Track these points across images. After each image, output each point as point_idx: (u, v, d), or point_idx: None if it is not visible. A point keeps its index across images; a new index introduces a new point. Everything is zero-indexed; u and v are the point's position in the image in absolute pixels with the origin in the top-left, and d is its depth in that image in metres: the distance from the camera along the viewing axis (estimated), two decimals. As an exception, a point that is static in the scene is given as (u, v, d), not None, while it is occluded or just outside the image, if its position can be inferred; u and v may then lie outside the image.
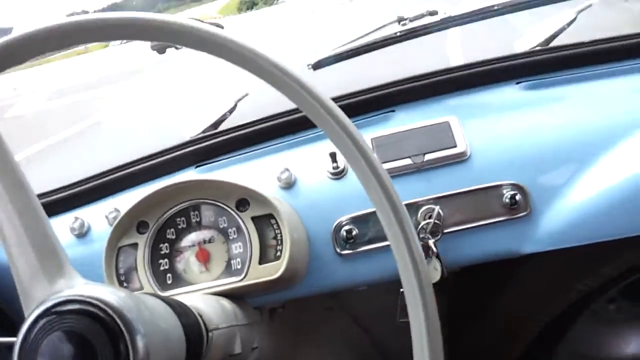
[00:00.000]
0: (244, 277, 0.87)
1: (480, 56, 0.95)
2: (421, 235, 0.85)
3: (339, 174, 0.90)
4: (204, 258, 0.89)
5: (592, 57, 0.95)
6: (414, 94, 0.98)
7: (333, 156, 0.90)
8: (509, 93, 0.95)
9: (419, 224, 0.85)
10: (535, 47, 1.02)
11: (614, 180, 0.80)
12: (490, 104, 0.95)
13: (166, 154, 1.03)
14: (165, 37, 0.41)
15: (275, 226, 0.87)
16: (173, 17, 0.43)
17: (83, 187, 1.04)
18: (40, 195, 1.04)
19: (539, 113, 0.90)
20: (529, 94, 0.94)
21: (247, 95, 1.14)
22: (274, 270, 0.86)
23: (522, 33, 1.03)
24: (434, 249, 0.83)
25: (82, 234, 0.98)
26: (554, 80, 0.94)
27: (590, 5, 1.02)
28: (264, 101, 1.17)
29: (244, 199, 0.89)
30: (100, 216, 0.97)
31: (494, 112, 0.93)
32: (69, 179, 1.05)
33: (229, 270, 0.89)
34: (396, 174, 0.87)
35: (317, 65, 1.09)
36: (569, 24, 1.02)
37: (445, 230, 0.84)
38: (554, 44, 1.02)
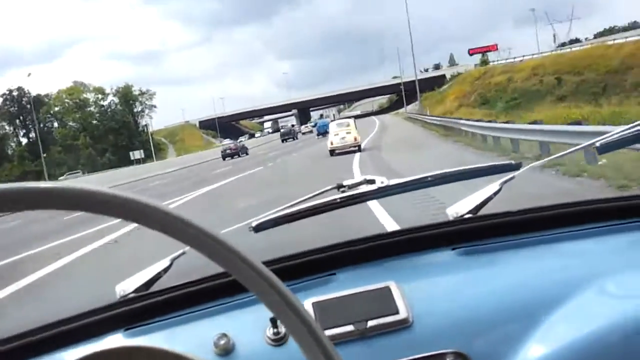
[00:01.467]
0: None
1: (415, 222, 1.01)
2: None
3: (279, 341, 0.85)
4: None
5: (521, 226, 1.02)
6: (354, 258, 1.00)
7: (274, 321, 0.85)
8: (446, 258, 0.99)
9: None
10: (466, 214, 1.09)
11: (557, 341, 0.80)
12: (428, 269, 0.98)
13: (89, 316, 0.94)
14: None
15: None
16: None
17: None
18: None
19: (477, 278, 0.93)
20: (465, 259, 0.99)
21: (184, 253, 1.10)
22: None
23: (448, 201, 1.12)
24: None
25: None
26: (487, 247, 0.99)
27: (513, 177, 1.12)
28: (202, 261, 1.14)
29: None
30: None
31: (432, 277, 0.96)
32: None
33: None
34: (339, 340, 0.83)
35: (258, 228, 1.09)
36: (495, 194, 1.10)
37: None
38: (482, 212, 1.09)
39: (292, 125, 72.65)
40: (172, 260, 1.10)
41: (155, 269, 1.09)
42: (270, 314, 0.82)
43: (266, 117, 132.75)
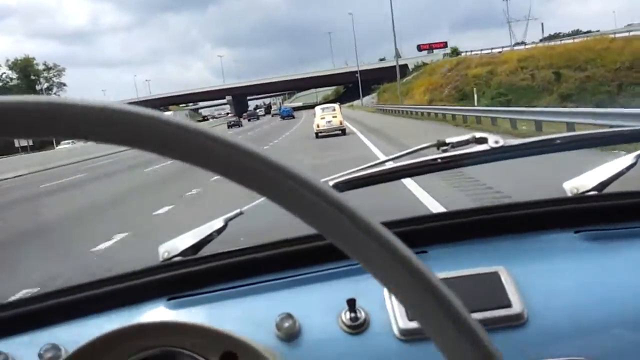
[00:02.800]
0: None
1: (525, 196, 1.05)
2: None
3: (357, 328, 0.85)
4: None
5: None
6: (451, 234, 0.99)
7: (351, 304, 0.85)
8: (568, 242, 0.99)
9: None
10: (589, 191, 1.10)
11: None
12: (545, 254, 0.97)
13: (129, 280, 0.95)
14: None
15: None
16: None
17: (11, 312, 0.93)
18: None
19: (606, 269, 0.92)
20: (591, 245, 0.98)
21: (241, 213, 1.10)
22: None
23: (566, 175, 1.14)
24: None
25: None
26: (618, 232, 0.99)
27: None
28: (263, 224, 1.15)
29: (230, 353, 0.82)
30: (32, 353, 0.85)
31: (550, 266, 0.94)
32: None
33: None
34: None
35: (338, 187, 1.08)
36: (627, 169, 1.10)
37: None
38: (609, 189, 1.10)
39: (255, 108, 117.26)
40: (227, 222, 1.10)
41: (206, 230, 1.08)
42: (347, 295, 0.84)
43: (201, 104, 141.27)
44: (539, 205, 1.04)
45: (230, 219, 1.11)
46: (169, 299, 0.94)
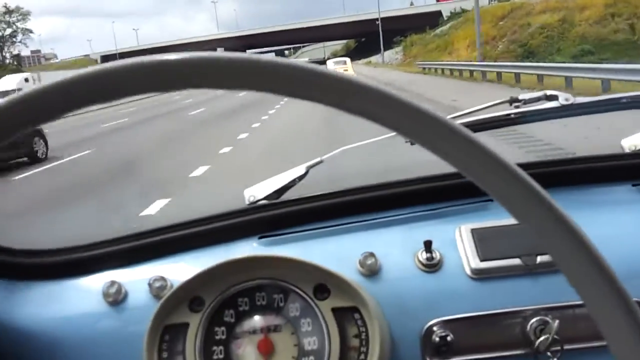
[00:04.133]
0: None
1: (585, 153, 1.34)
2: (540, 356, 1.03)
3: (432, 267, 1.11)
4: (267, 349, 1.05)
5: None
6: None
7: (428, 245, 1.11)
8: (626, 194, 1.24)
9: (532, 337, 1.03)
10: None
11: None
12: (604, 204, 1.22)
13: (224, 219, 1.22)
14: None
15: (359, 322, 1.05)
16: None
17: (124, 246, 1.20)
18: (71, 250, 1.19)
19: None
20: None
21: (321, 162, 1.39)
22: None
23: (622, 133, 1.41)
24: None
25: (118, 301, 1.13)
26: None
27: None
28: (341, 171, 1.46)
29: (323, 285, 1.07)
30: (142, 283, 1.13)
31: (610, 214, 1.18)
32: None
33: None
34: (501, 274, 1.09)
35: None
36: None
37: (566, 347, 1.02)
38: None
39: None
40: (309, 169, 1.38)
41: (289, 176, 1.36)
42: (424, 237, 1.11)
43: None
44: (599, 160, 1.29)
45: (311, 166, 1.38)
46: (260, 237, 1.21)
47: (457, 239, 1.15)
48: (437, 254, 1.12)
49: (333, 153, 1.38)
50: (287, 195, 1.35)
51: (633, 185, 1.26)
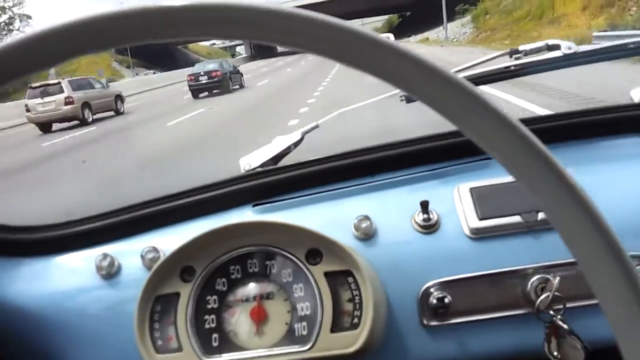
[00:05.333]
0: (311, 347, 1.01)
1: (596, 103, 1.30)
2: (541, 314, 1.00)
3: (429, 228, 1.09)
4: (260, 317, 1.05)
5: None
6: None
7: (424, 206, 1.08)
8: (633, 147, 1.21)
9: (533, 296, 1.01)
10: None
11: None
12: (611, 157, 1.19)
13: (217, 188, 1.22)
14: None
15: (353, 286, 1.04)
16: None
17: (116, 219, 1.20)
18: (63, 225, 1.20)
19: None
20: None
21: (316, 127, 1.36)
22: (350, 341, 1.00)
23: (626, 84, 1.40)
24: (565, 326, 0.99)
25: (111, 274, 1.13)
26: None
27: None
28: (337, 136, 1.44)
29: (315, 250, 1.06)
30: (134, 255, 1.13)
31: (617, 168, 1.16)
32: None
33: (290, 337, 1.04)
34: (501, 233, 1.06)
35: (410, 98, 1.33)
36: None
37: (568, 305, 1.00)
38: None
39: None
40: (304, 134, 1.36)
41: (284, 142, 1.34)
42: (420, 198, 1.08)
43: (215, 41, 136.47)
44: (607, 112, 1.25)
45: (307, 131, 1.36)
46: (254, 205, 1.20)
47: (455, 198, 1.13)
48: (435, 215, 1.10)
49: (329, 117, 1.36)
50: (283, 162, 1.34)
51: None
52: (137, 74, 78.38)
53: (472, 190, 1.12)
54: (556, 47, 1.32)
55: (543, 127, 1.25)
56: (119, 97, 25.32)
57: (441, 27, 56.00)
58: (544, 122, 1.26)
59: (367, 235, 1.10)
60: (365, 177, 1.22)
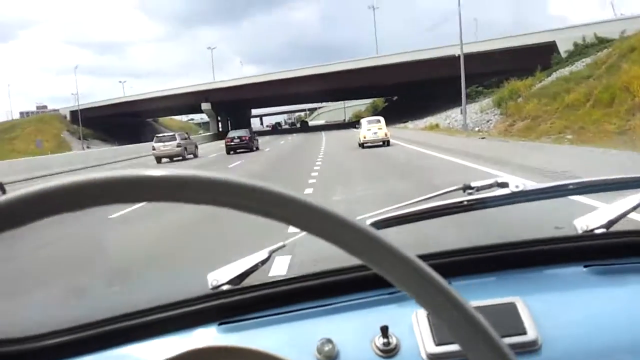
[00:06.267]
0: None
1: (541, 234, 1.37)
2: None
3: (389, 352, 1.13)
4: None
5: None
6: (472, 267, 1.30)
7: (384, 330, 1.13)
8: (577, 276, 1.28)
9: None
10: (597, 228, 1.41)
11: None
12: (557, 286, 1.26)
13: (185, 306, 1.24)
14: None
15: None
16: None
17: (81, 334, 1.21)
18: (24, 340, 1.19)
19: (613, 301, 1.20)
20: (599, 279, 1.27)
21: (283, 246, 1.42)
22: None
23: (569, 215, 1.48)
24: None
25: None
26: (624, 267, 1.28)
27: None
28: (304, 256, 1.52)
29: None
30: None
31: (562, 296, 1.22)
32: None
33: None
34: (457, 358, 1.09)
35: (379, 225, 1.40)
36: (634, 208, 1.43)
37: None
38: (616, 228, 1.41)
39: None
40: (271, 253, 1.41)
41: (252, 260, 1.39)
42: (380, 322, 1.14)
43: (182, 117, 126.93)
44: (552, 242, 1.34)
45: (274, 250, 1.42)
46: (220, 324, 1.23)
47: (414, 322, 1.17)
48: (394, 339, 1.14)
49: (295, 238, 1.43)
50: (249, 280, 1.37)
51: (585, 266, 1.30)
52: (88, 147, 72.39)
53: (429, 315, 1.16)
54: (505, 185, 1.44)
55: (491, 255, 1.33)
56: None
57: (444, 113, 49.74)
58: (492, 250, 1.34)
59: (330, 359, 1.13)
60: (328, 299, 1.27)
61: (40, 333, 1.21)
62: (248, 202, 0.49)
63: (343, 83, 70.31)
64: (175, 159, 36.53)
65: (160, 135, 39.21)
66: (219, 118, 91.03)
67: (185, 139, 38.94)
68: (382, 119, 30.97)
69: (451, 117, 46.23)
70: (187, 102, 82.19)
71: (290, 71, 76.11)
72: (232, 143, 39.63)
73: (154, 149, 36.77)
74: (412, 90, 75.04)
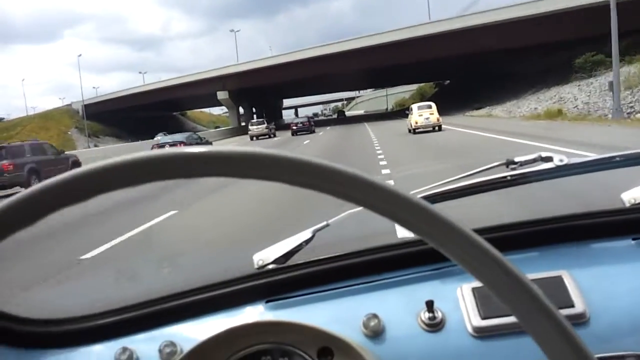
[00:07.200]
0: None
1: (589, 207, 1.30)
2: None
3: (435, 326, 1.14)
4: None
5: None
6: (520, 242, 1.29)
7: (429, 305, 1.14)
8: (626, 249, 1.27)
9: None
10: None
11: None
12: (605, 259, 1.25)
13: (233, 285, 1.27)
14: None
15: None
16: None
17: (135, 313, 1.24)
18: (82, 319, 1.23)
19: None
20: None
21: (327, 226, 1.43)
22: None
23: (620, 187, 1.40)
24: None
25: None
26: None
27: None
28: (346, 234, 1.53)
29: (327, 348, 1.11)
30: (153, 349, 1.17)
31: (610, 269, 1.21)
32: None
33: None
34: (503, 332, 1.11)
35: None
36: None
37: None
38: None
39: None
40: (315, 233, 1.42)
41: (296, 240, 1.40)
42: (426, 297, 1.15)
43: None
44: (600, 215, 1.33)
45: (318, 230, 1.43)
46: (267, 302, 1.25)
47: (459, 297, 1.18)
48: (440, 314, 1.15)
49: (339, 217, 1.44)
50: (294, 259, 1.38)
51: (633, 239, 1.29)
52: (96, 145, 66.04)
53: (474, 290, 1.17)
54: (549, 159, 1.42)
55: (539, 229, 1.32)
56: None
57: (543, 93, 37.32)
58: (540, 225, 1.33)
59: (376, 333, 1.14)
60: (373, 275, 1.28)
61: (93, 313, 1.25)
62: (299, 176, 0.50)
63: (386, 61, 55.55)
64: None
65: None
66: (242, 109, 78.59)
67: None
68: (433, 104, 30.79)
69: (567, 98, 33.35)
70: (212, 91, 70.44)
71: (324, 46, 60.39)
72: (295, 127, 51.13)
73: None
74: (473, 68, 61.11)
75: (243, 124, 71.48)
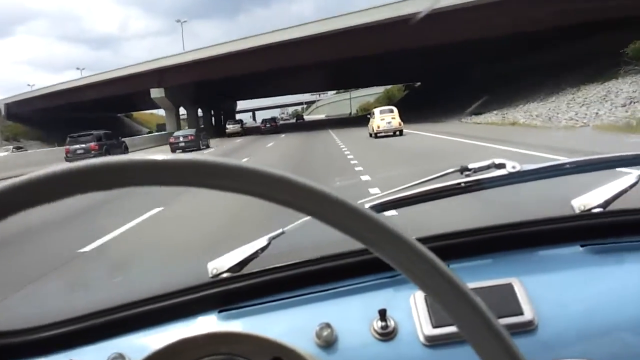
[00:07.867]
0: None
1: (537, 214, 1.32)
2: None
3: (387, 335, 1.14)
4: None
5: None
6: (470, 249, 1.30)
7: (382, 313, 1.14)
8: (574, 255, 1.28)
9: None
10: (594, 208, 1.41)
11: None
12: (553, 266, 1.26)
13: (185, 294, 1.25)
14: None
15: None
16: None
17: (84, 324, 1.21)
18: (28, 331, 1.19)
19: (609, 280, 1.21)
20: (595, 258, 1.27)
21: (283, 233, 1.41)
22: None
23: (570, 193, 1.43)
24: None
25: None
26: (621, 246, 1.29)
27: None
28: (302, 242, 1.52)
29: (278, 359, 1.10)
30: None
31: (558, 276, 1.23)
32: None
33: None
34: (454, 340, 1.11)
35: (377, 209, 1.40)
36: (630, 187, 1.43)
37: None
38: (613, 207, 1.41)
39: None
40: (270, 240, 1.41)
41: (251, 248, 1.38)
42: (378, 305, 1.15)
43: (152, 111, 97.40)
44: (549, 222, 1.34)
45: (274, 237, 1.42)
46: (220, 311, 1.23)
47: (411, 306, 1.18)
48: (392, 322, 1.15)
49: (295, 224, 1.44)
50: (249, 267, 1.37)
51: (581, 246, 1.30)
52: (16, 149, 52.61)
53: (426, 298, 1.17)
54: (502, 166, 1.43)
55: (487, 237, 1.33)
56: None
57: (558, 97, 28.82)
58: (487, 232, 1.34)
59: (328, 343, 1.14)
60: (327, 284, 1.27)
61: (40, 325, 1.21)
62: (247, 185, 0.49)
63: (351, 51, 44.59)
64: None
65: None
66: (185, 111, 67.04)
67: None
68: (395, 108, 31.41)
69: (603, 105, 23.65)
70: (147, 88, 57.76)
71: (279, 30, 48.25)
72: (264, 127, 59.36)
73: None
74: (462, 63, 50.69)
75: (202, 125, 65.08)
